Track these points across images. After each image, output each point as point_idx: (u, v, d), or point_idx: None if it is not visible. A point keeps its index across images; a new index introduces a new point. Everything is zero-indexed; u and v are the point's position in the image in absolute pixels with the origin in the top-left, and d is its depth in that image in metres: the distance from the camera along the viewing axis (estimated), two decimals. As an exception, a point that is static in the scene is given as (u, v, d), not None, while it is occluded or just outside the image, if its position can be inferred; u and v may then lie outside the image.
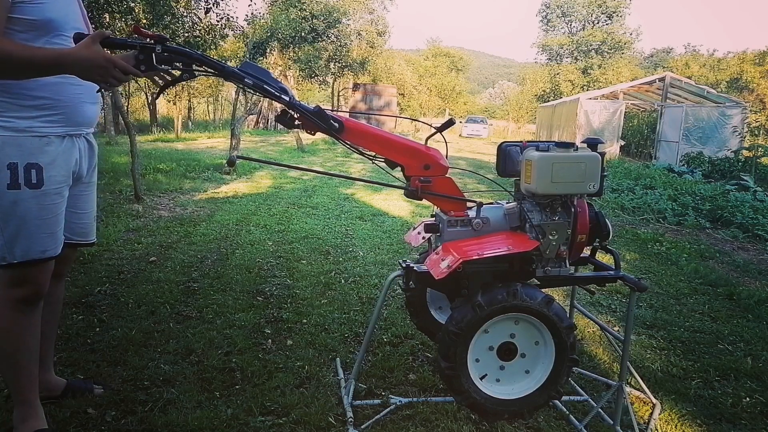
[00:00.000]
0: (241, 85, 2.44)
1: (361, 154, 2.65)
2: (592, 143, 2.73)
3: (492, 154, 21.64)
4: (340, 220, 7.35)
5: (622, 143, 21.65)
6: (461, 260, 2.38)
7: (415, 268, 2.75)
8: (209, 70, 2.33)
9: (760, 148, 15.85)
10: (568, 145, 2.57)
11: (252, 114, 23.86)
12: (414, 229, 3.13)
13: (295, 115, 2.52)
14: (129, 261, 5.04)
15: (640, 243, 7.16)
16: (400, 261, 2.84)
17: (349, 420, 2.67)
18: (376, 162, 2.70)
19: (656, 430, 2.81)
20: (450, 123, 2.58)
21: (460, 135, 34.42)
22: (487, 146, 25.66)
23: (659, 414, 2.95)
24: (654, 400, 3.08)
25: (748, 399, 3.16)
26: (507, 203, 2.84)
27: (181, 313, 3.88)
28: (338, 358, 3.34)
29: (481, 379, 2.55)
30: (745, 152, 16.29)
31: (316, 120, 2.49)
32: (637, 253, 6.70)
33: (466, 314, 2.42)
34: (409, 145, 2.64)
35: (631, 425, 2.75)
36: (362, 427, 2.65)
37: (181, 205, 7.78)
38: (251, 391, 2.92)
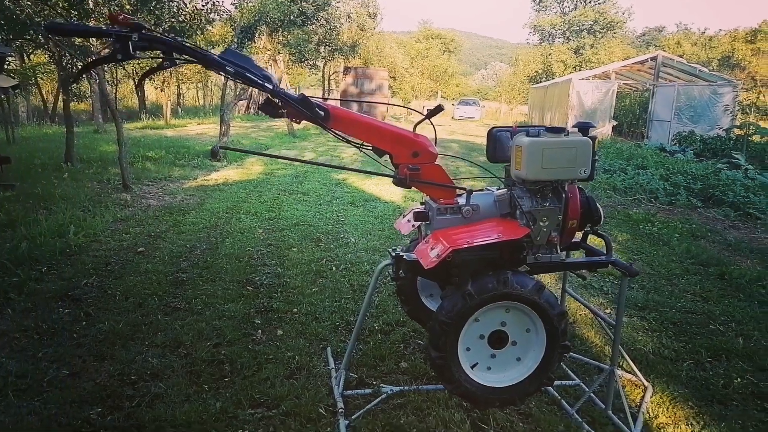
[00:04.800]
0: (222, 74, 2.37)
1: (349, 142, 2.59)
2: (584, 127, 2.68)
3: (485, 136, 21.38)
4: (332, 206, 7.29)
5: (614, 123, 21.60)
6: (451, 249, 2.34)
7: (405, 257, 2.71)
8: (189, 58, 2.26)
9: (751, 126, 15.84)
10: (559, 130, 2.52)
11: (242, 99, 23.61)
12: (404, 216, 3.08)
13: (280, 104, 2.45)
14: (116, 252, 4.98)
15: (632, 224, 7.15)
16: (390, 250, 2.79)
17: (340, 411, 2.64)
18: (363, 150, 2.64)
19: (648, 412, 2.80)
20: (438, 109, 2.52)
21: (452, 117, 34.24)
22: (480, 128, 25.53)
23: (651, 396, 2.94)
24: (645, 383, 3.08)
25: (739, 380, 3.16)
26: (497, 190, 2.79)
27: (170, 305, 3.83)
28: (329, 348, 3.31)
29: (472, 367, 2.52)
30: (736, 130, 16.30)
31: (300, 108, 2.42)
32: (629, 233, 6.69)
33: (457, 303, 2.39)
34: (397, 132, 2.58)
35: (623, 409, 2.74)
36: (353, 417, 2.62)
37: (171, 194, 7.70)
38: (240, 383, 2.89)
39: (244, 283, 4.29)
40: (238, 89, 15.33)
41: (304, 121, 2.49)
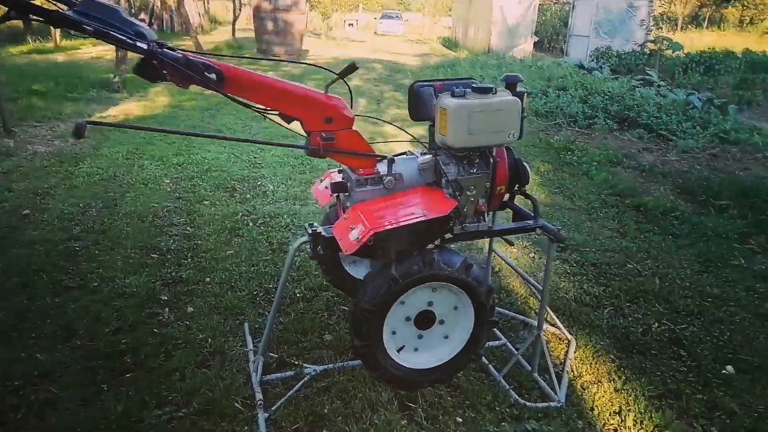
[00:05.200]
0: (79, 33, 1.90)
1: (249, 107, 2.22)
2: (513, 82, 2.44)
3: (409, 54, 20.94)
4: (248, 146, 6.77)
5: (536, 39, 21.52)
6: (372, 232, 2.10)
7: (323, 234, 2.45)
8: (35, 18, 1.79)
9: (664, 41, 16.20)
10: (486, 90, 2.26)
11: (140, 16, 21.40)
12: (321, 181, 2.78)
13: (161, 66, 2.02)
14: (-3, 217, 4.38)
15: (553, 152, 7.17)
16: (306, 225, 2.51)
17: (259, 403, 2.44)
18: (268, 116, 2.29)
19: (572, 371, 2.80)
20: (352, 69, 2.18)
21: (375, 33, 32.93)
22: (404, 45, 24.73)
23: (574, 352, 2.95)
24: (569, 336, 3.08)
25: (656, 325, 3.23)
26: (421, 155, 2.54)
27: (61, 283, 3.40)
28: (246, 324, 3.06)
29: (398, 351, 2.37)
30: (650, 45, 16.63)
31: (186, 72, 2.01)
32: (551, 163, 6.70)
33: (380, 289, 2.18)
34: (307, 95, 2.23)
35: (549, 368, 2.72)
36: (273, 408, 2.44)
37: (61, 137, 6.86)
38: (145, 378, 2.61)
39: (147, 250, 3.89)
40: (134, 2, 13.70)
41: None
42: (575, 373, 2.79)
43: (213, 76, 2.05)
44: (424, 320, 2.35)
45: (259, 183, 5.39)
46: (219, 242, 4.04)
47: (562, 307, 3.37)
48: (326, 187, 2.70)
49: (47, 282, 3.40)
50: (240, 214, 4.57)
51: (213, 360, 2.76)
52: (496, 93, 2.29)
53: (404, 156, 2.57)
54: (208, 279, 3.52)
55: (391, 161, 2.35)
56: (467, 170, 2.37)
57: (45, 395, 2.48)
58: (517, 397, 2.55)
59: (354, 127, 2.33)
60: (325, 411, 2.41)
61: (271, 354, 2.78)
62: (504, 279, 3.73)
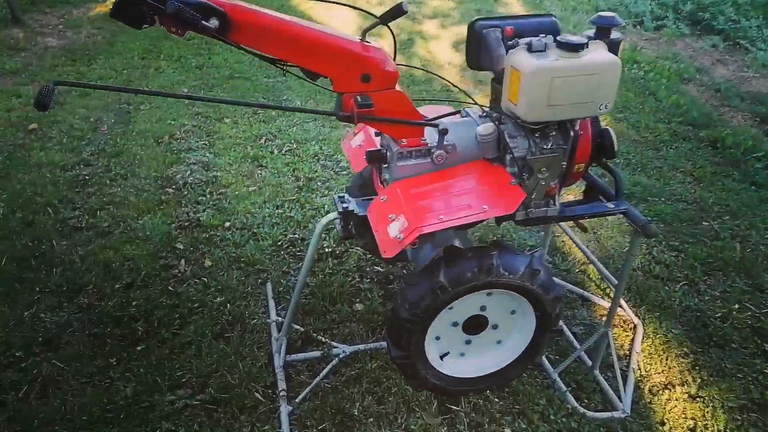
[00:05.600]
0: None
1: (264, 59, 1.71)
2: (606, 25, 1.86)
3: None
4: (274, 44, 6.11)
5: None
6: (418, 231, 1.66)
7: (355, 212, 2.02)
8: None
9: None
10: (575, 46, 1.68)
11: None
12: (354, 134, 2.30)
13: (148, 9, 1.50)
14: (1, 132, 4.01)
15: (617, 65, 6.33)
16: (336, 199, 2.08)
17: (282, 394, 2.17)
18: (288, 70, 1.78)
19: (639, 369, 2.44)
20: (399, 11, 1.62)
21: None
22: None
23: (642, 342, 2.57)
24: (635, 320, 2.69)
25: (737, 308, 2.80)
26: (481, 116, 2.01)
27: (68, 222, 3.09)
28: (269, 284, 2.74)
29: (442, 357, 2.02)
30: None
31: (178, 16, 1.49)
32: (614, 79, 5.92)
33: (424, 298, 1.78)
34: (338, 45, 1.70)
35: (612, 363, 2.37)
36: (297, 400, 2.17)
37: (74, 27, 6.29)
38: (158, 351, 2.34)
39: (163, 182, 3.52)
40: None
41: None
42: (642, 371, 2.43)
43: (215, 21, 1.53)
44: (474, 325, 1.97)
45: (285, 96, 4.85)
46: (240, 174, 3.64)
47: (627, 280, 2.94)
48: (360, 145, 2.23)
49: (53, 220, 3.10)
50: (264, 137, 4.11)
51: (232, 331, 2.48)
52: (587, 48, 1.71)
53: (458, 118, 2.05)
54: (228, 223, 3.17)
55: (443, 132, 1.84)
56: (540, 146, 1.86)
57: (48, 369, 2.25)
58: (575, 403, 2.22)
59: (398, 87, 1.81)
60: (355, 412, 2.13)
61: (295, 326, 2.48)
62: (557, 237, 3.29)
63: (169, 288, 2.69)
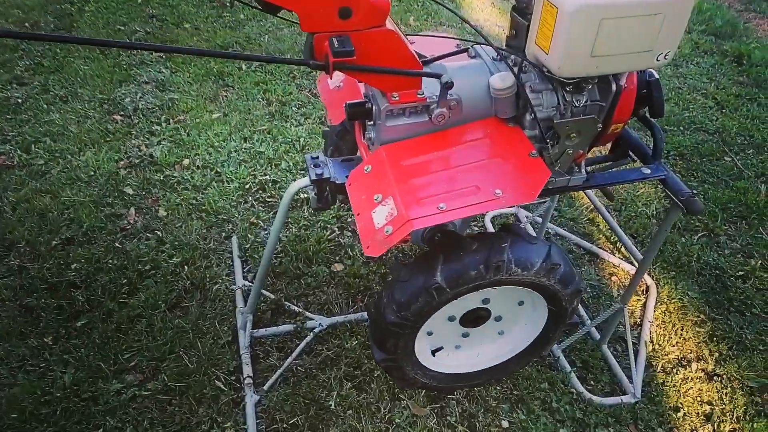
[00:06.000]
0: None
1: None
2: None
3: None
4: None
5: None
6: (408, 225, 1.27)
7: (332, 179, 1.61)
8: None
9: None
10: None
11: None
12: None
13: None
14: None
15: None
16: (308, 160, 1.65)
17: (247, 382, 1.88)
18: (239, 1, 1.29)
19: (651, 341, 2.18)
20: None
21: None
22: None
23: (654, 307, 2.29)
24: (649, 280, 2.40)
25: (759, 264, 2.51)
26: (496, 60, 1.54)
27: (-3, 160, 2.63)
28: (234, 239, 2.37)
29: (434, 353, 1.71)
30: None
31: None
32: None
33: (416, 299, 1.43)
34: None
35: (620, 336, 2.12)
36: (265, 388, 1.88)
37: None
38: (102, 328, 2.01)
39: (110, 107, 3.01)
40: None
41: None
42: (655, 344, 2.17)
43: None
44: (474, 318, 1.65)
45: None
46: (202, 97, 3.13)
47: (639, 230, 2.62)
48: (339, 86, 1.77)
49: (-22, 157, 2.63)
50: (230, 45, 3.53)
51: (190, 300, 2.14)
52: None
53: (465, 60, 1.58)
54: (186, 161, 2.73)
55: (447, 86, 1.39)
56: (571, 105, 1.43)
57: (-29, 353, 1.92)
58: (580, 387, 1.97)
59: (389, 24, 1.34)
60: (331, 404, 1.85)
61: (264, 292, 2.15)
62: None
63: (116, 245, 2.30)
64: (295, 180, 2.39)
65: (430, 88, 1.47)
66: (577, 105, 1.43)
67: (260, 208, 2.53)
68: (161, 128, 2.89)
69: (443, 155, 1.44)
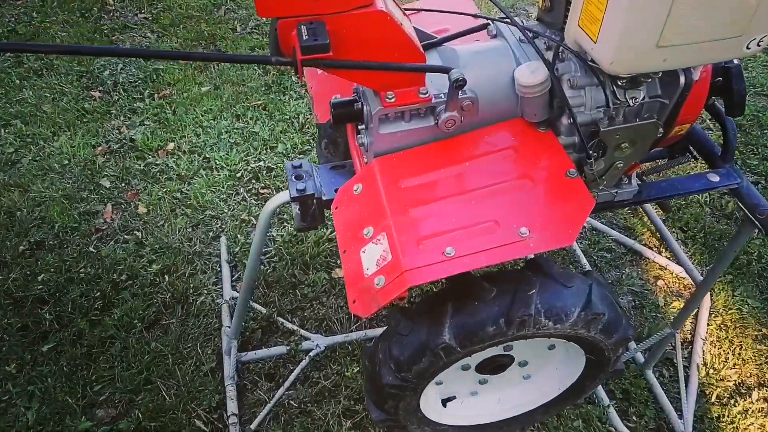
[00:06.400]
0: None
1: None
2: None
3: None
4: None
5: None
6: (406, 280, 0.96)
7: (316, 195, 1.29)
8: None
9: None
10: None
11: None
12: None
13: None
14: None
15: None
16: (288, 168, 1.32)
17: (231, 420, 1.63)
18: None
19: (704, 363, 1.86)
20: None
21: None
22: None
23: (707, 323, 1.95)
24: (698, 277, 2.05)
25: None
26: (523, 41, 1.18)
27: (-39, 149, 2.37)
28: (223, 239, 2.09)
29: (445, 403, 1.42)
30: None
31: None
32: None
33: (418, 359, 1.13)
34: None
35: (667, 357, 1.81)
36: (252, 427, 1.64)
37: None
38: (71, 353, 1.77)
39: (88, 81, 2.69)
40: None
41: None
42: (709, 368, 1.85)
43: None
44: (495, 366, 1.34)
45: None
46: (191, 66, 2.78)
47: (690, 222, 2.25)
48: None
49: (-59, 145, 2.37)
50: (223, 7, 3.15)
51: (171, 316, 1.89)
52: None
53: (481, 42, 1.22)
54: (171, 144, 2.42)
55: (458, 85, 1.04)
56: (623, 106, 1.07)
57: (-74, 381, 1.71)
58: (621, 425, 1.67)
59: (382, 4, 0.99)
60: (329, 449, 1.60)
61: (255, 306, 1.88)
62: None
63: (90, 249, 2.04)
64: (274, 187, 2.09)
65: (435, 82, 1.13)
66: (631, 104, 1.07)
67: (252, 201, 2.23)
68: (144, 105, 2.58)
69: (452, 174, 1.11)
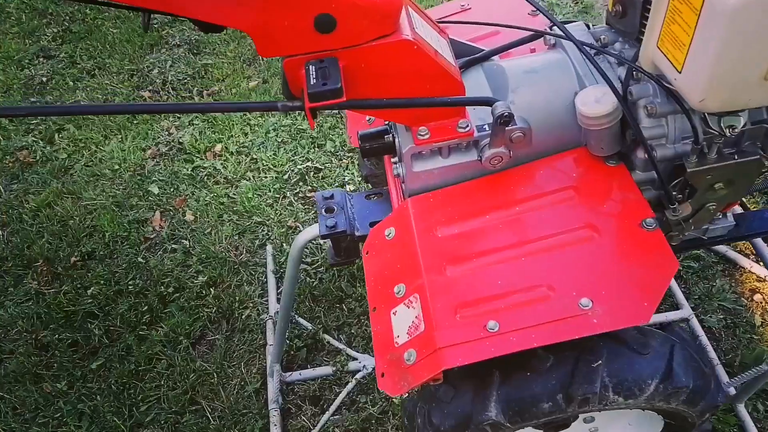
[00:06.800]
0: None
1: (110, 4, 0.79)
2: None
3: None
4: None
5: None
6: (440, 361, 0.82)
7: (348, 232, 1.16)
8: None
9: None
10: None
11: None
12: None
13: None
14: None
15: None
16: (319, 202, 1.19)
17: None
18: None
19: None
20: None
21: None
22: None
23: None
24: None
25: None
26: (587, 57, 0.96)
27: (17, 155, 2.39)
28: (269, 247, 2.01)
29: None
30: None
31: None
32: None
33: (463, 431, 0.99)
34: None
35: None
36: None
37: None
38: (118, 370, 1.76)
39: (138, 80, 2.66)
40: None
41: None
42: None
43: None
44: (554, 424, 1.18)
45: None
46: (239, 60, 2.68)
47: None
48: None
49: None
50: None
51: (216, 332, 1.84)
52: None
53: (536, 54, 1.02)
54: (219, 146, 2.35)
55: (504, 120, 0.85)
56: (718, 140, 0.85)
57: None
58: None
59: (404, 28, 0.81)
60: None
61: (301, 321, 1.80)
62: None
63: (139, 259, 2.02)
64: (321, 189, 1.96)
65: (479, 110, 0.94)
66: (728, 135, 0.85)
67: (299, 206, 2.13)
68: (192, 104, 2.51)
69: (498, 222, 0.94)
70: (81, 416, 1.69)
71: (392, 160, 1.07)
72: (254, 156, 2.30)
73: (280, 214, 2.11)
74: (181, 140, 2.37)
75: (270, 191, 2.18)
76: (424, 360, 0.84)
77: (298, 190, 2.18)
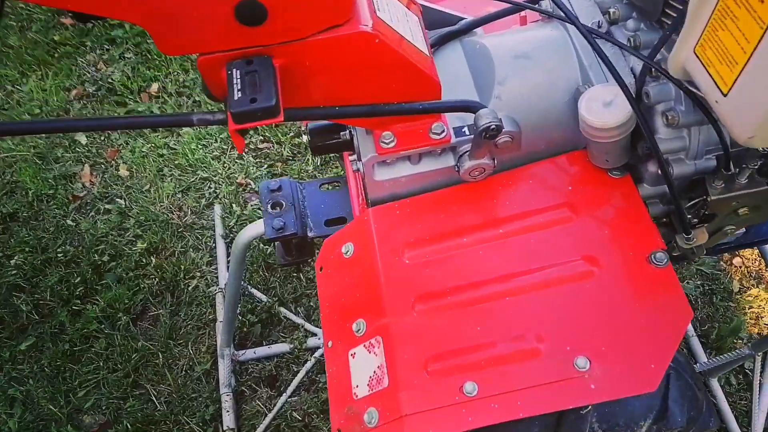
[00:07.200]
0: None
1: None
2: None
3: None
4: None
5: None
6: (403, 427, 0.68)
7: (299, 234, 0.98)
8: None
9: None
10: None
11: None
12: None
13: None
14: None
15: None
16: (264, 191, 1.00)
17: (225, 436, 1.47)
18: None
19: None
20: None
21: None
22: None
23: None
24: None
25: None
26: (595, 34, 0.75)
27: None
28: (217, 208, 1.80)
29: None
30: None
31: None
32: None
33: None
34: None
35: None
36: (251, 440, 1.48)
37: None
38: (52, 351, 1.59)
39: (56, 4, 2.28)
40: None
41: None
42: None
43: None
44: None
45: None
46: None
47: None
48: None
49: None
50: None
51: (160, 306, 1.67)
52: None
53: (532, 27, 0.81)
54: (155, 85, 2.05)
55: (489, 134, 0.66)
56: (746, 157, 0.68)
57: None
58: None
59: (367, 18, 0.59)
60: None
61: (255, 293, 1.65)
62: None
63: (68, 222, 1.80)
64: (274, 139, 1.76)
65: (453, 124, 0.75)
66: (762, 152, 0.68)
67: (250, 158, 1.91)
68: (123, 33, 2.17)
69: (477, 246, 0.78)
70: (12, 402, 1.54)
71: (350, 157, 0.88)
72: (197, 98, 2.03)
73: (229, 169, 1.89)
74: (110, 78, 2.06)
75: (216, 141, 1.94)
76: (388, 426, 0.70)
77: (248, 140, 1.95)
